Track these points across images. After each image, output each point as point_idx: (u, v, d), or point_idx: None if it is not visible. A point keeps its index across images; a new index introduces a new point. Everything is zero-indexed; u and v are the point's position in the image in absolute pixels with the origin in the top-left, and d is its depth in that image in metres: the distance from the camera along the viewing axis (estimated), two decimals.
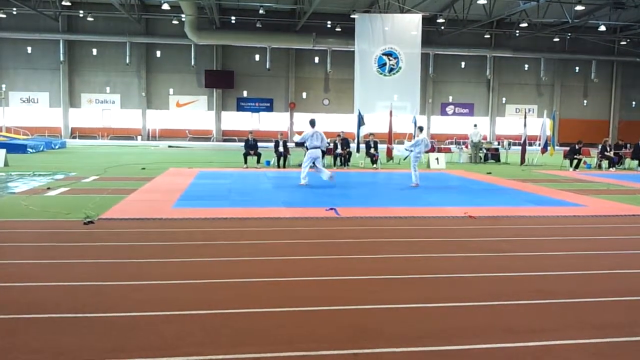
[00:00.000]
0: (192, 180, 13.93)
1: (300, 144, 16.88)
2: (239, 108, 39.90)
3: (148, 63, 38.28)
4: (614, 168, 20.25)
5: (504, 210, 9.96)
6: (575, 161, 19.75)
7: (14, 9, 32.70)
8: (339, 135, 19.91)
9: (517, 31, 37.08)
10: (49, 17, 34.35)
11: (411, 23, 26.34)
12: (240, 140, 32.76)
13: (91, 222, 7.89)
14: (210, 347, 3.68)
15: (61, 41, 36.66)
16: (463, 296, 4.88)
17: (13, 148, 21.38)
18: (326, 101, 40.49)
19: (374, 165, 19.24)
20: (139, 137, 38.65)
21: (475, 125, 24.51)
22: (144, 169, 16.85)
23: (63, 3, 32.55)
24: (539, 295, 4.93)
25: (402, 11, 28.80)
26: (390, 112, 20.87)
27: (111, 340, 3.77)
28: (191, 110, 39.47)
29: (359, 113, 21.32)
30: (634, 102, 44.33)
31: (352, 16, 28.21)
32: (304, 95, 40.31)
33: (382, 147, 19.98)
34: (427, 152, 18.86)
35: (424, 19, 26.71)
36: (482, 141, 25.06)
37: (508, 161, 23.43)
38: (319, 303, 4.65)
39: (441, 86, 41.73)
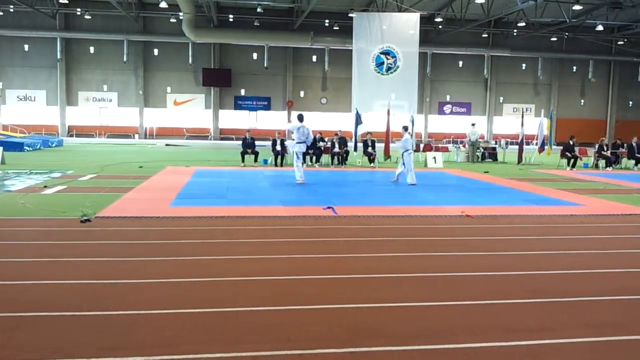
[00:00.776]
0: (190, 179, 13.92)
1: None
2: (237, 106, 39.87)
3: (145, 61, 38.22)
4: (611, 167, 20.31)
5: (501, 210, 9.99)
6: (572, 160, 19.79)
7: (11, 6, 32.60)
8: (336, 134, 19.91)
9: (515, 30, 37.13)
10: (46, 15, 34.26)
11: (409, 22, 26.36)
12: (237, 139, 32.75)
13: (88, 220, 7.88)
14: (208, 345, 3.68)
15: (58, 39, 36.57)
16: (460, 295, 4.89)
17: (10, 146, 21.32)
18: (324, 100, 40.49)
19: (372, 164, 19.25)
20: (136, 136, 38.59)
21: (473, 125, 24.54)
22: (141, 167, 16.83)
23: (60, 1, 32.51)
24: (536, 294, 4.95)
25: (400, 10, 28.80)
26: (388, 111, 20.88)
27: (109, 338, 3.77)
28: (189, 109, 39.43)
29: (357, 112, 21.34)
30: (630, 102, 44.44)
31: (350, 15, 28.21)
32: (302, 93, 40.30)
33: (379, 146, 19.99)
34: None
35: (421, 18, 26.74)
36: (480, 140, 25.10)
37: (505, 160, 23.47)
38: (316, 301, 4.65)
39: (439, 85, 41.77)
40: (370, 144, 19.35)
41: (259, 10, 33.75)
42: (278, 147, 18.58)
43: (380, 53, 25.82)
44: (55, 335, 3.80)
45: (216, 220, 8.33)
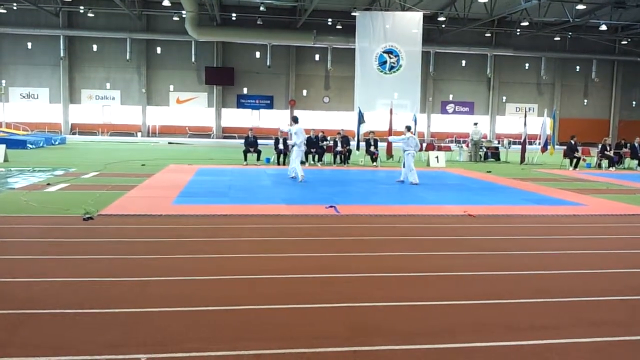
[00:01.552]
0: (192, 177, 13.93)
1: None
2: (239, 105, 39.86)
3: (148, 59, 38.22)
4: (614, 167, 20.25)
5: (504, 209, 9.97)
6: (574, 160, 19.74)
7: (15, 4, 32.64)
8: (339, 133, 19.89)
9: (518, 30, 37.03)
10: (49, 13, 34.29)
11: (412, 21, 26.33)
12: (240, 138, 32.75)
13: (91, 218, 7.89)
14: (211, 343, 3.68)
15: (61, 37, 36.59)
16: (463, 294, 4.88)
17: (13, 144, 21.36)
18: (326, 99, 40.45)
19: (374, 163, 19.23)
20: (139, 134, 38.61)
21: (475, 124, 24.50)
22: (143, 165, 16.85)
23: None
24: (539, 294, 4.94)
25: (403, 9, 28.76)
26: (391, 110, 20.86)
27: (111, 335, 3.77)
28: (191, 107, 39.43)
29: (359, 111, 21.30)
30: (634, 102, 44.31)
31: (353, 14, 28.19)
32: (304, 92, 40.27)
33: (382, 145, 19.97)
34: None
35: (424, 17, 26.71)
36: (482, 140, 25.05)
37: (508, 160, 23.43)
38: (318, 300, 4.65)
39: (441, 84, 41.69)
40: (372, 143, 19.33)
41: (262, 8, 33.74)
42: (280, 146, 18.57)
43: (383, 52, 25.80)
44: (57, 333, 3.80)
45: (218, 218, 8.33)
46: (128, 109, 38.75)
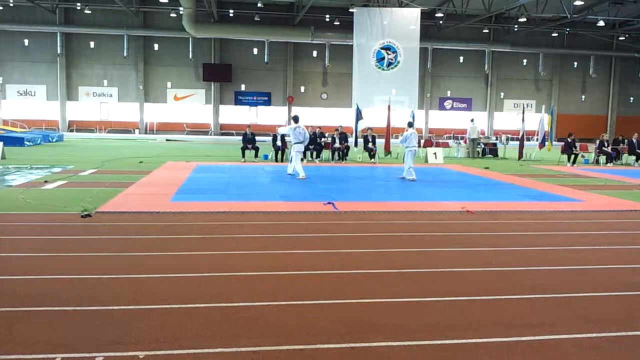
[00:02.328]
0: (190, 174, 13.91)
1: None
2: (237, 102, 39.81)
3: (146, 56, 38.12)
4: (612, 163, 20.28)
5: (502, 205, 9.98)
6: (572, 156, 19.77)
7: (11, 0, 32.51)
8: (337, 130, 19.89)
9: (516, 26, 37.03)
10: (46, 10, 34.17)
11: (410, 17, 26.26)
12: (238, 134, 32.72)
13: (88, 215, 7.88)
14: (209, 340, 3.69)
15: (58, 34, 36.46)
16: (460, 290, 4.89)
17: (10, 141, 21.31)
18: (324, 95, 40.41)
19: (372, 160, 19.23)
20: (137, 131, 38.54)
21: (472, 120, 24.51)
22: (141, 162, 16.82)
23: None
24: (537, 290, 4.95)
25: (400, 5, 28.73)
26: (389, 107, 20.84)
27: (109, 333, 3.77)
28: (189, 104, 39.36)
29: (357, 107, 21.30)
30: (632, 98, 44.36)
31: (350, 10, 28.11)
32: (302, 89, 40.22)
33: (380, 142, 19.97)
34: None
35: (422, 13, 26.62)
36: (480, 136, 25.06)
37: (506, 156, 23.45)
38: (316, 296, 4.66)
39: (439, 81, 41.68)
40: (370, 140, 19.32)
41: (259, 5, 33.65)
42: (279, 143, 18.56)
43: (381, 48, 25.74)
44: (55, 330, 3.80)
45: (216, 215, 8.33)
46: (125, 106, 38.67)
